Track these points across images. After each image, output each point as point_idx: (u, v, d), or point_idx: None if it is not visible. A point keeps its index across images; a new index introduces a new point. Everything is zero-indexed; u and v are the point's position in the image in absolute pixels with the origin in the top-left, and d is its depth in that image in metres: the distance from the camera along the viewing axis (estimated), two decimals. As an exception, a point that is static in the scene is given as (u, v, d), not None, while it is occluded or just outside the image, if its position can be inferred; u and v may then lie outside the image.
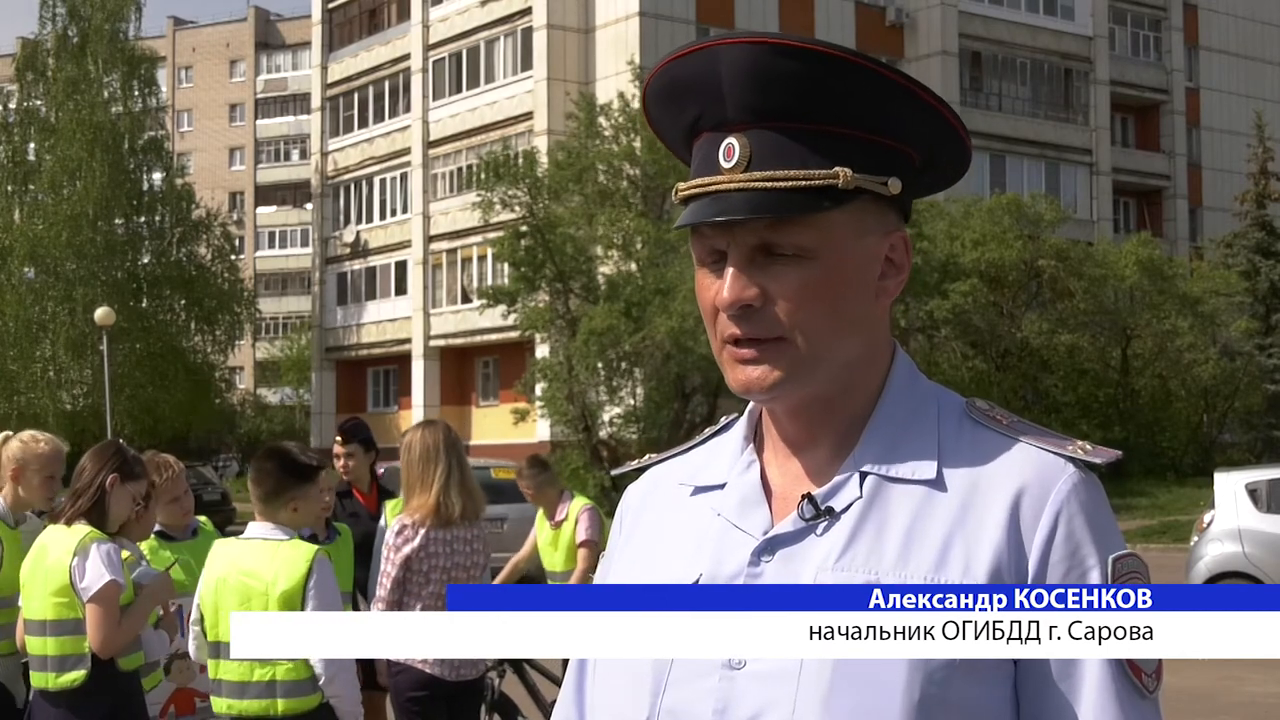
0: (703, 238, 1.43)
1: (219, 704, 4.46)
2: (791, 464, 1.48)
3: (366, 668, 6.59)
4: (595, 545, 7.82)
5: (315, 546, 4.46)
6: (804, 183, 1.38)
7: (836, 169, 1.39)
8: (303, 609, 4.28)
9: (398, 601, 5.36)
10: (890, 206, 1.45)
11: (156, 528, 5.17)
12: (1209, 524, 13.58)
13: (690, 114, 1.45)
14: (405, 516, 5.38)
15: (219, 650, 4.42)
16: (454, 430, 5.64)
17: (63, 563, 4.59)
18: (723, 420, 1.61)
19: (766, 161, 1.39)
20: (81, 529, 4.64)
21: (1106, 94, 44.16)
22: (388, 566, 5.36)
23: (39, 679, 4.68)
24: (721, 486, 1.50)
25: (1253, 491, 13.45)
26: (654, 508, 1.57)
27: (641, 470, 1.64)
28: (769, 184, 1.38)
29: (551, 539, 8.03)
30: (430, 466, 5.38)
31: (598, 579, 1.62)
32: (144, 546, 5.04)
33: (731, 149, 1.40)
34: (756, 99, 1.39)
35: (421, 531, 5.32)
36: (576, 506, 8.00)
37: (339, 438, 7.15)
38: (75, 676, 4.59)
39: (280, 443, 4.95)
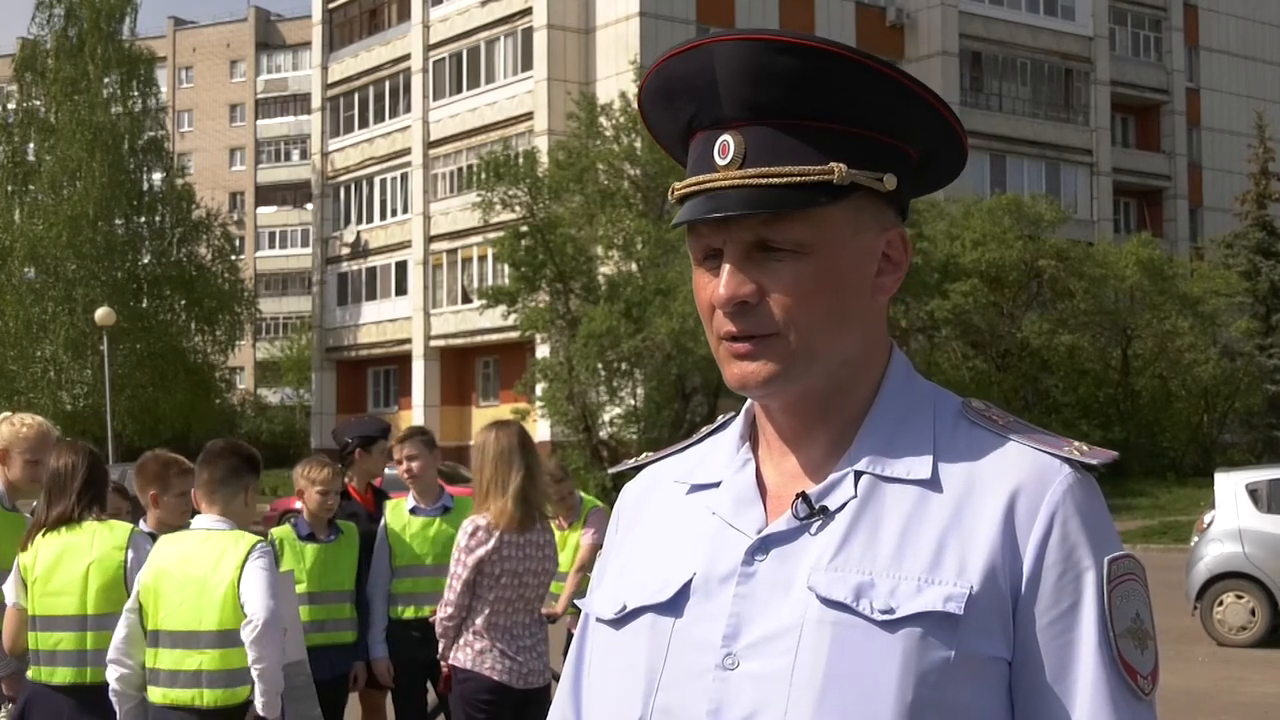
0: (699, 236, 1.43)
1: (154, 693, 4.48)
2: (786, 462, 1.47)
3: (368, 667, 6.61)
4: (599, 547, 7.80)
5: (257, 537, 4.53)
6: (799, 178, 1.37)
7: (831, 164, 1.38)
8: (238, 596, 4.36)
9: (465, 604, 5.34)
10: (887, 203, 1.44)
11: (146, 529, 5.13)
12: (1209, 524, 13.58)
13: (686, 112, 1.44)
14: (479, 518, 5.32)
15: (157, 639, 4.46)
16: (527, 432, 5.59)
17: (114, 558, 4.64)
18: (720, 419, 1.60)
19: (761, 158, 1.38)
20: (125, 525, 4.75)
21: (1107, 94, 44.16)
22: (458, 569, 5.30)
23: (70, 674, 4.65)
24: (717, 485, 1.49)
25: (1253, 492, 13.45)
26: (650, 506, 1.56)
27: (639, 469, 1.63)
28: (764, 180, 1.37)
29: (559, 539, 8.01)
30: (505, 469, 5.34)
31: (594, 578, 1.61)
32: None
33: (726, 146, 1.40)
34: (751, 95, 1.39)
35: (496, 534, 5.29)
36: (586, 507, 8.00)
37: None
38: None
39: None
